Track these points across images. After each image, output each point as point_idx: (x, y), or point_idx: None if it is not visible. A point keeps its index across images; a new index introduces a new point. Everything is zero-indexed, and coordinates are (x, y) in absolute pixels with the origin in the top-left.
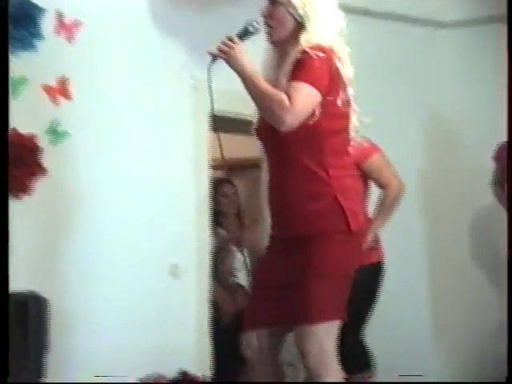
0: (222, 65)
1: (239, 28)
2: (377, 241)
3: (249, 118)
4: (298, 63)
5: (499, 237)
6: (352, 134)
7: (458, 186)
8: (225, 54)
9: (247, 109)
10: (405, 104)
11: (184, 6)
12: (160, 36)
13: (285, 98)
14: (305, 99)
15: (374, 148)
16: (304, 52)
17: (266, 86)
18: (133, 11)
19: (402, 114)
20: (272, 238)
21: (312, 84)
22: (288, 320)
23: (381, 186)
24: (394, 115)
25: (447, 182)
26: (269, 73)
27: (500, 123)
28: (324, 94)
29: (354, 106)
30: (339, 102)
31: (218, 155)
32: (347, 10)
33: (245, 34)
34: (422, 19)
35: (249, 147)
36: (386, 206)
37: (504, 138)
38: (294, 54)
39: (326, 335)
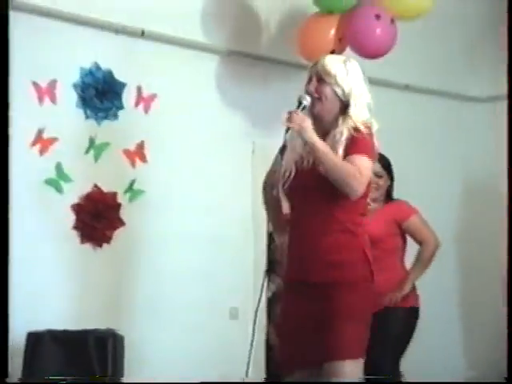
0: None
1: (291, 100)
2: (413, 289)
3: None
4: (355, 139)
5: None
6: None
7: (491, 241)
8: (298, 126)
9: None
10: (443, 169)
11: (244, 82)
12: (224, 107)
13: (357, 170)
14: (368, 171)
15: (412, 210)
16: (357, 129)
17: (336, 157)
18: (200, 86)
19: (439, 178)
20: (288, 284)
21: (369, 157)
22: (317, 360)
23: (418, 242)
24: (432, 179)
25: (481, 237)
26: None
27: None
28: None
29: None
30: None
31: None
32: (390, 85)
33: (299, 106)
34: (457, 94)
35: None
36: (423, 261)
37: None
38: (343, 130)
39: (351, 372)
